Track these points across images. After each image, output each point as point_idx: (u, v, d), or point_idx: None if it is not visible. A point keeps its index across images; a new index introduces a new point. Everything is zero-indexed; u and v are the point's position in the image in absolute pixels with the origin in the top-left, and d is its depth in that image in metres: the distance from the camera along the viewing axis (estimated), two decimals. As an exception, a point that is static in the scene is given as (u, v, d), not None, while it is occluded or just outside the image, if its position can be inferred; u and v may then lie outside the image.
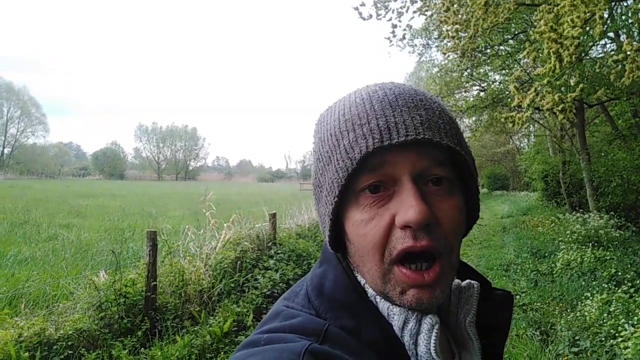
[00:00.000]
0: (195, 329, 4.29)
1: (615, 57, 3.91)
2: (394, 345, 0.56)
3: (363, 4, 6.89)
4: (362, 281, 0.60)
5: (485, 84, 13.35)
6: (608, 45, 9.27)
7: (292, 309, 0.61)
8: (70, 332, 3.65)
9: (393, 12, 6.97)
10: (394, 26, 7.20)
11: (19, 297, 4.54)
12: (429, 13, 6.21)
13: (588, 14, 3.26)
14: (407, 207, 0.52)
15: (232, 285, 5.32)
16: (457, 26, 5.28)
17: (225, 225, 6.47)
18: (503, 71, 11.91)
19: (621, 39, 8.70)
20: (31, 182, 44.71)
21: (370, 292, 0.59)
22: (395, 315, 0.57)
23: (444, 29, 6.43)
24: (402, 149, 0.54)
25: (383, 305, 0.58)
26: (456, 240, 0.57)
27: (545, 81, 3.81)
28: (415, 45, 13.58)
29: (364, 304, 0.58)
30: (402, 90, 0.59)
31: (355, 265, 0.60)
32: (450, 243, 0.56)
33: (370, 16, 6.98)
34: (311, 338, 0.53)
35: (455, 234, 0.57)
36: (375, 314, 0.58)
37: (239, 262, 5.77)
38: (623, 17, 7.01)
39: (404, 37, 7.51)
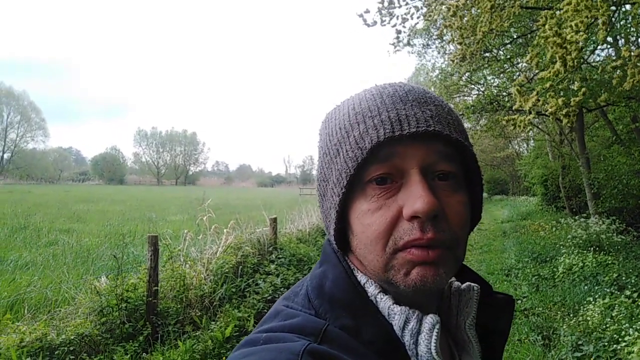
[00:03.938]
0: (197, 334, 4.27)
1: (614, 64, 3.94)
2: (395, 345, 0.56)
3: (367, 11, 6.91)
4: (362, 281, 0.60)
5: (484, 87, 13.39)
6: (605, 51, 9.32)
7: (292, 309, 0.61)
8: (72, 337, 3.63)
9: (397, 18, 6.99)
10: (399, 32, 7.23)
11: (21, 302, 4.52)
12: (433, 17, 6.22)
13: (591, 19, 3.27)
14: (415, 197, 0.53)
15: (234, 290, 5.30)
16: (462, 31, 5.29)
17: (224, 230, 6.46)
18: (501, 75, 11.96)
19: (619, 43, 8.75)
20: (31, 187, 44.63)
21: (370, 291, 0.59)
22: (395, 315, 0.56)
23: (448, 35, 6.46)
24: (412, 142, 0.55)
25: (384, 305, 0.57)
26: (463, 233, 0.58)
27: (547, 85, 3.83)
28: (415, 45, 13.61)
29: (364, 304, 0.58)
30: (411, 88, 0.61)
31: (358, 260, 0.60)
32: (457, 236, 0.56)
33: (375, 23, 6.98)
34: (310, 338, 0.53)
35: (462, 227, 0.57)
36: (375, 314, 0.57)
37: (240, 266, 5.76)
38: (622, 22, 7.05)
39: (408, 43, 7.54)
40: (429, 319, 0.56)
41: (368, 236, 0.56)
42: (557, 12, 3.69)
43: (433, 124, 0.55)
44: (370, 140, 0.54)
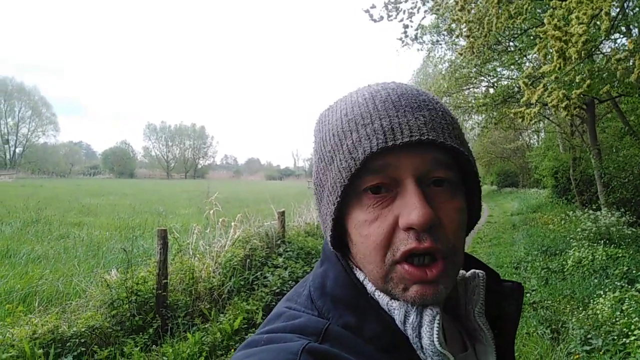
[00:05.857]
0: (206, 326, 4.32)
1: (618, 56, 3.87)
2: (398, 338, 0.56)
3: (374, 7, 6.88)
4: (361, 278, 0.60)
5: (495, 79, 13.22)
6: (619, 40, 9.15)
7: (295, 310, 0.61)
8: (83, 330, 3.70)
9: (404, 12, 6.96)
10: (406, 26, 7.19)
11: (33, 295, 4.61)
12: (440, 12, 6.18)
13: (596, 10, 3.22)
14: (410, 209, 0.52)
15: (242, 283, 5.34)
16: (470, 24, 5.23)
17: (232, 224, 6.49)
18: (512, 67, 11.80)
19: (633, 33, 8.59)
20: (42, 181, 45.17)
21: (369, 288, 0.59)
22: (395, 310, 0.56)
23: (455, 27, 6.41)
24: (406, 150, 0.54)
25: (383, 300, 0.57)
26: (459, 240, 0.57)
27: (552, 77, 3.79)
28: (424, 42, 13.43)
29: (365, 301, 0.58)
30: (404, 91, 0.59)
31: (357, 264, 0.60)
32: (453, 244, 0.55)
33: (382, 18, 6.95)
34: (311, 337, 0.53)
35: (458, 234, 0.57)
36: (377, 310, 0.57)
37: (248, 260, 5.79)
38: (635, 11, 6.91)
39: (416, 37, 7.50)
40: (429, 312, 0.55)
41: (367, 247, 0.56)
42: (564, 3, 3.64)
43: (427, 132, 0.54)
44: (363, 151, 0.53)
